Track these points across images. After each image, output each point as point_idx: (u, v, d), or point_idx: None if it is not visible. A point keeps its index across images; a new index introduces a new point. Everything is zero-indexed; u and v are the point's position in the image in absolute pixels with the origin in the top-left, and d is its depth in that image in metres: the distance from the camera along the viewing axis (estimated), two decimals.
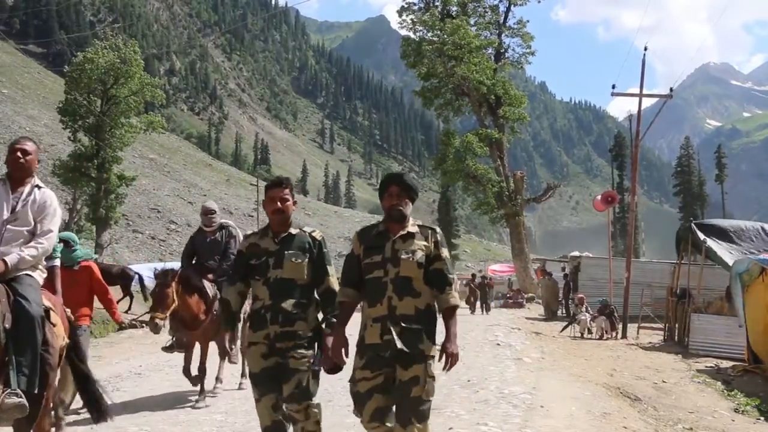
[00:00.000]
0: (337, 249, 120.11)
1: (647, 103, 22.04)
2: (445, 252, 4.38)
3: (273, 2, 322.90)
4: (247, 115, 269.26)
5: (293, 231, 4.91)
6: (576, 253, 31.95)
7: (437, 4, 41.83)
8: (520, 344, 15.02)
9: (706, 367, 12.99)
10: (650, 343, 17.35)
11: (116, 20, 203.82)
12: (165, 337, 11.33)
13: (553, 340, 17.23)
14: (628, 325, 18.99)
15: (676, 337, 17.29)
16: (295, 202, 4.97)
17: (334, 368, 4.68)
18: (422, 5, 41.96)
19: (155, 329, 7.85)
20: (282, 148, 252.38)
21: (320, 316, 4.94)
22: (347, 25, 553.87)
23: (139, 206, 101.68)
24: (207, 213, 9.10)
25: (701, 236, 16.72)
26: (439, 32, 39.86)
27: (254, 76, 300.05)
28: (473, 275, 34.78)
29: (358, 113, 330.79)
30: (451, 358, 4.20)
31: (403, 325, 4.20)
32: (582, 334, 18.74)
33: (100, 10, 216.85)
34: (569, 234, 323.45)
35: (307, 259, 4.81)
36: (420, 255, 4.28)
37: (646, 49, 21.23)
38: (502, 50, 42.48)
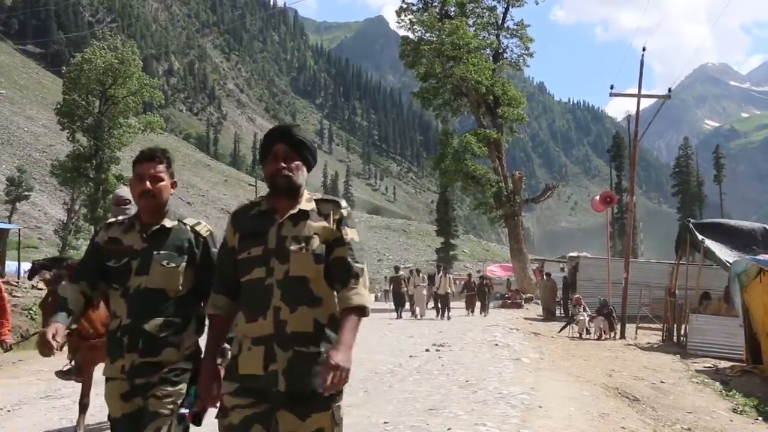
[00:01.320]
0: None
1: (645, 103, 22.07)
2: (350, 234, 3.11)
3: (271, 2, 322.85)
4: (246, 115, 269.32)
5: (168, 223, 3.56)
6: (574, 254, 31.97)
7: (436, 4, 41.82)
8: (519, 345, 15.04)
9: (705, 367, 13.00)
10: (648, 343, 17.36)
11: (114, 20, 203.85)
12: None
13: (552, 341, 17.25)
14: (627, 325, 19.01)
15: (674, 338, 17.29)
16: (174, 184, 3.69)
17: (201, 412, 3.42)
18: (421, 5, 41.96)
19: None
20: None
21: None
22: (346, 26, 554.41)
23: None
24: (120, 203, 6.54)
25: (699, 236, 16.74)
26: (437, 32, 39.84)
27: (253, 77, 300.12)
28: (469, 275, 34.70)
29: (357, 114, 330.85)
30: (334, 373, 2.75)
31: (296, 348, 2.89)
32: (580, 334, 18.75)
33: (98, 11, 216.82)
34: (567, 234, 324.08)
35: (184, 263, 3.47)
36: (318, 243, 3.00)
37: (644, 49, 21.22)
38: (501, 51, 42.47)
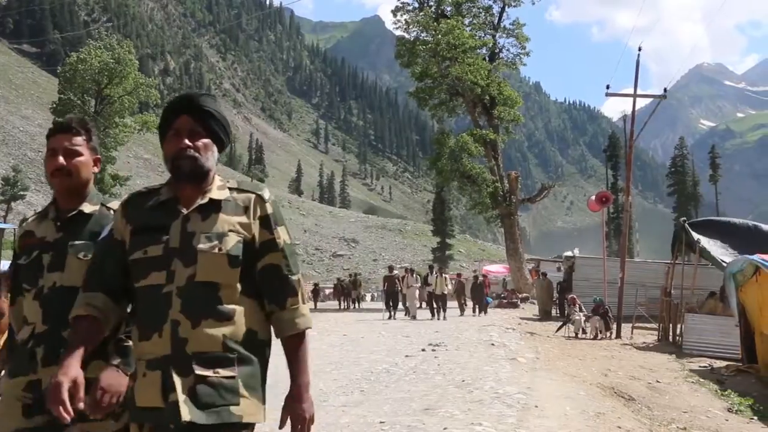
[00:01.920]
0: (332, 249, 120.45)
1: (641, 103, 22.14)
2: (283, 235, 2.48)
3: (268, 2, 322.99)
4: (242, 115, 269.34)
5: (88, 208, 2.89)
6: (570, 253, 31.96)
7: (431, 4, 41.80)
8: (515, 344, 15.04)
9: (700, 367, 13.01)
10: (644, 343, 17.37)
11: (110, 20, 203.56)
12: None
13: (548, 340, 17.26)
14: (623, 325, 19.00)
15: (670, 337, 17.31)
16: (97, 161, 2.99)
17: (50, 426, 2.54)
18: (416, 5, 41.90)
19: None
20: (276, 148, 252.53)
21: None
22: (342, 25, 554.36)
23: None
24: None
25: (695, 236, 16.77)
26: (433, 32, 39.81)
27: (249, 76, 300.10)
28: (458, 274, 35.08)
29: (353, 113, 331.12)
30: (301, 426, 2.42)
31: (199, 373, 2.27)
32: (576, 334, 18.75)
33: (94, 10, 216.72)
34: (563, 234, 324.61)
35: None
36: (234, 242, 2.38)
37: (640, 49, 21.28)
38: (497, 51, 42.44)
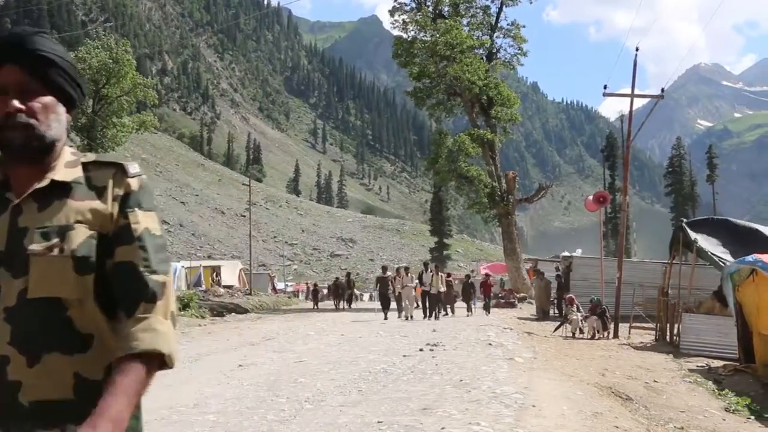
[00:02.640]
0: (330, 249, 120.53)
1: (639, 103, 22.14)
2: (143, 221, 1.76)
3: (265, 2, 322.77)
4: (240, 114, 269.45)
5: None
6: (567, 253, 32.00)
7: (429, 4, 41.79)
8: (512, 344, 15.06)
9: (697, 366, 13.03)
10: (642, 342, 17.39)
11: (108, 20, 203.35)
12: None
13: (545, 340, 17.28)
14: (620, 324, 19.01)
15: (667, 337, 17.33)
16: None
17: None
18: (414, 5, 41.89)
19: None
20: (274, 148, 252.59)
21: None
22: (340, 25, 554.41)
23: None
24: None
25: (692, 235, 16.77)
26: (431, 32, 39.84)
27: (246, 76, 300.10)
28: (448, 273, 34.09)
29: (351, 113, 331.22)
30: None
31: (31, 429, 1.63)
32: (574, 334, 18.77)
33: (91, 10, 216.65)
34: (561, 234, 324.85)
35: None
36: (82, 238, 1.70)
37: (637, 49, 21.28)
38: (494, 51, 42.44)
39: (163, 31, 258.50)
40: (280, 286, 69.59)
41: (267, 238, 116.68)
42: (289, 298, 51.14)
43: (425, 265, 26.95)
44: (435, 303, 24.68)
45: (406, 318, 24.23)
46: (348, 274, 39.90)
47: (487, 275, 34.15)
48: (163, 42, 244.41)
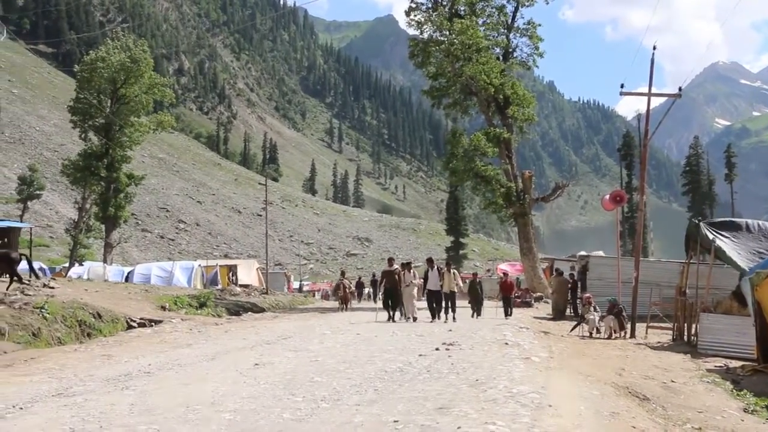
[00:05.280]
0: (346, 248, 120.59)
1: (656, 102, 22.00)
2: None
3: (282, 2, 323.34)
4: (256, 114, 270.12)
5: None
6: (584, 253, 31.88)
7: (445, 3, 41.75)
8: (529, 344, 15.01)
9: (715, 366, 12.96)
10: (659, 342, 17.31)
11: (125, 20, 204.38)
12: (176, 337, 11.07)
13: (562, 340, 17.23)
14: (637, 324, 18.98)
15: (685, 337, 17.23)
16: None
17: None
18: (430, 5, 41.89)
19: None
20: (290, 148, 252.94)
21: None
22: (355, 25, 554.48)
23: (148, 205, 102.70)
24: None
25: (710, 236, 16.68)
26: (447, 32, 39.84)
27: (263, 76, 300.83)
28: (474, 274, 32.78)
29: (367, 113, 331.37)
30: None
31: None
32: (591, 333, 18.71)
33: (109, 10, 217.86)
34: (577, 233, 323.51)
35: None
36: None
37: (654, 48, 21.14)
38: (510, 50, 42.41)
39: (180, 31, 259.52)
40: (295, 285, 69.89)
41: (283, 237, 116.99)
42: (305, 297, 51.25)
43: (429, 262, 23.95)
44: (446, 302, 22.46)
45: (412, 319, 22.29)
46: (342, 273, 37.37)
47: (505, 274, 34.03)
48: (180, 42, 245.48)
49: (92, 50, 52.78)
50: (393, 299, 22.81)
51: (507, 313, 24.99)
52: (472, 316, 24.52)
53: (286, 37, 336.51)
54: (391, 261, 24.79)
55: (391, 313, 22.65)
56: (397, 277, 22.82)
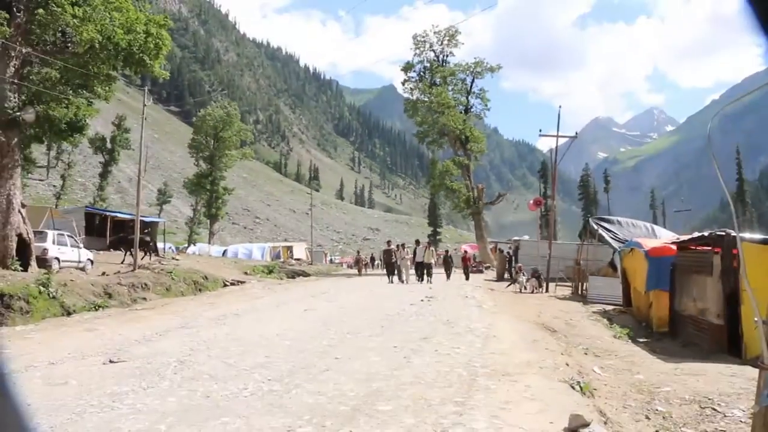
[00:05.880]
0: (362, 235, 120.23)
1: (561, 141, 21.94)
2: None
3: (322, 76, 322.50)
4: (305, 148, 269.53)
5: None
6: (517, 238, 31.68)
7: (427, 77, 41.64)
8: (480, 296, 14.96)
9: (597, 310, 12.93)
10: (563, 295, 17.23)
11: (223, 89, 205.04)
12: (254, 292, 10.88)
13: (502, 294, 17.16)
14: (550, 284, 18.88)
15: (579, 292, 17.17)
16: None
17: None
18: (417, 78, 41.79)
19: None
20: (327, 170, 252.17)
21: None
22: (370, 90, 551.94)
23: (236, 207, 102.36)
24: None
25: (596, 227, 16.70)
26: (428, 95, 39.89)
27: (310, 124, 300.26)
28: (446, 251, 31.78)
29: (377, 147, 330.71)
30: None
31: None
32: (520, 290, 18.62)
33: (213, 84, 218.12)
34: (513, 225, 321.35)
35: None
36: None
37: (560, 107, 21.19)
38: (470, 106, 42.26)
39: (257, 95, 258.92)
40: (331, 259, 69.50)
41: (322, 228, 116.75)
42: (336, 267, 51.11)
43: (417, 242, 23.59)
44: (426, 270, 21.76)
45: (402, 281, 21.31)
46: (358, 252, 36.45)
47: (465, 252, 33.88)
48: (257, 102, 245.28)
49: (202, 109, 53.07)
50: (391, 268, 22.32)
51: (467, 278, 24.66)
52: (447, 280, 23.73)
53: (324, 98, 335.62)
54: (389, 243, 24.28)
55: (390, 278, 22.13)
56: (393, 254, 22.42)
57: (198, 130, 50.91)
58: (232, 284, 18.23)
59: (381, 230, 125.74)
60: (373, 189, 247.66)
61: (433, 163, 42.25)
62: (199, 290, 16.00)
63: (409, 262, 22.20)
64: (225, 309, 11.58)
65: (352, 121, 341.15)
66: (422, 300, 13.27)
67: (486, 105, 42.64)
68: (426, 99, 40.10)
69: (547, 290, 18.48)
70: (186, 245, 48.64)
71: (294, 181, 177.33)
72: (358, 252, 36.23)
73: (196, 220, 55.67)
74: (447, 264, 25.41)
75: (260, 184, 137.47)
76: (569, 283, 19.50)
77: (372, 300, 13.84)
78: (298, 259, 42.60)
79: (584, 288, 16.56)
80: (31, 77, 13.99)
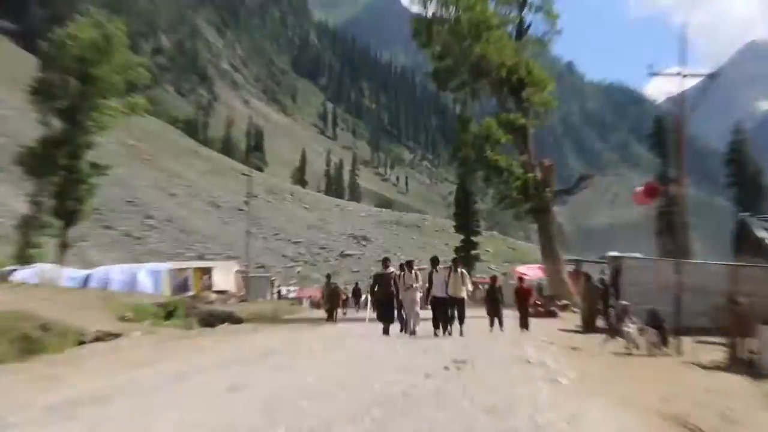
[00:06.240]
0: (340, 248, 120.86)
1: (689, 83, 21.69)
2: None
3: None
4: (240, 97, 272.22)
5: None
6: (616, 254, 31.51)
7: None
8: (554, 362, 14.68)
9: None
10: (711, 361, 16.90)
11: None
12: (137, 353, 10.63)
13: (594, 357, 17.06)
14: (683, 338, 18.64)
15: (741, 354, 16.82)
16: None
17: None
18: None
19: None
20: (278, 134, 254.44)
21: None
22: (353, 0, 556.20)
23: (112, 199, 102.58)
24: None
25: (762, 233, 16.41)
26: (453, 8, 40.28)
27: (249, 55, 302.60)
28: (493, 279, 28.88)
29: (365, 95, 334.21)
30: None
31: None
32: (628, 349, 18.34)
33: None
34: (607, 231, 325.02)
35: None
36: None
37: (685, 25, 20.95)
38: (524, 27, 42.96)
39: (159, 7, 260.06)
40: (283, 291, 70.08)
41: (268, 235, 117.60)
42: (291, 305, 51.29)
43: (434, 261, 21.75)
44: (453, 312, 20.75)
45: (409, 332, 20.69)
46: (328, 277, 36.19)
47: (521, 279, 33.18)
48: (159, 19, 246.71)
49: (60, 27, 53.26)
50: (389, 309, 21.37)
51: (525, 326, 24.14)
52: (492, 329, 23.57)
53: (277, 14, 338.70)
54: (386, 262, 22.87)
55: (387, 325, 21.08)
56: (393, 282, 21.26)
57: (50, 63, 51.16)
58: (98, 340, 18.11)
59: (372, 239, 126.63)
60: (359, 167, 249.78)
61: (463, 123, 42.67)
62: (31, 352, 15.71)
63: (418, 295, 21.13)
64: (78, 388, 11.20)
65: (322, 51, 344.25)
66: (447, 367, 13.05)
67: (554, 24, 43.01)
68: (450, 15, 40.42)
69: (678, 351, 18.23)
70: (12, 267, 48.21)
71: (219, 154, 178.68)
72: (329, 279, 35.28)
73: (35, 221, 55.39)
74: (492, 301, 24.88)
75: (158, 159, 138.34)
76: (719, 338, 19.14)
77: (356, 368, 13.62)
78: (221, 292, 43.03)
79: (750, 348, 16.33)
80: None
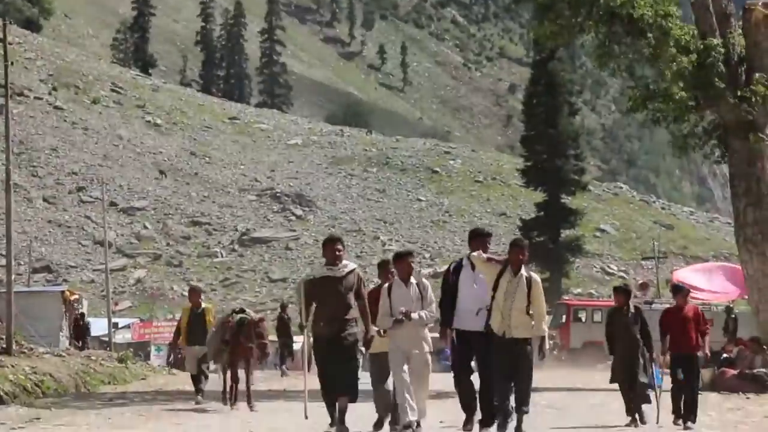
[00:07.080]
0: (237, 223, 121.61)
1: None
2: None
3: None
4: None
5: None
6: None
7: None
8: None
9: None
10: None
11: None
12: None
13: None
14: None
15: None
16: None
17: None
18: None
19: None
20: None
21: None
22: None
23: None
24: None
25: None
26: None
27: None
28: (623, 286, 27.23)
29: None
30: None
31: None
32: None
33: None
34: None
35: None
36: None
37: None
38: None
39: None
40: (99, 324, 70.23)
41: (59, 191, 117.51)
42: (122, 358, 51.10)
43: (476, 237, 20.59)
44: (509, 368, 18.52)
45: (404, 429, 18.74)
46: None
47: (677, 288, 31.88)
48: None
49: None
50: (339, 369, 19.44)
51: (685, 409, 23.07)
52: (630, 419, 22.95)
53: None
54: (335, 250, 20.29)
55: (336, 409, 19.40)
56: (356, 294, 19.73)
57: None
58: None
59: (320, 202, 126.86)
60: (286, 25, 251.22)
61: None
62: None
63: (429, 337, 19.69)
64: None
65: None
66: None
67: None
68: None
69: None
70: None
71: None
72: (192, 289, 35.40)
73: None
74: (627, 349, 23.47)
75: None
76: None
77: None
78: None
79: None
80: None
